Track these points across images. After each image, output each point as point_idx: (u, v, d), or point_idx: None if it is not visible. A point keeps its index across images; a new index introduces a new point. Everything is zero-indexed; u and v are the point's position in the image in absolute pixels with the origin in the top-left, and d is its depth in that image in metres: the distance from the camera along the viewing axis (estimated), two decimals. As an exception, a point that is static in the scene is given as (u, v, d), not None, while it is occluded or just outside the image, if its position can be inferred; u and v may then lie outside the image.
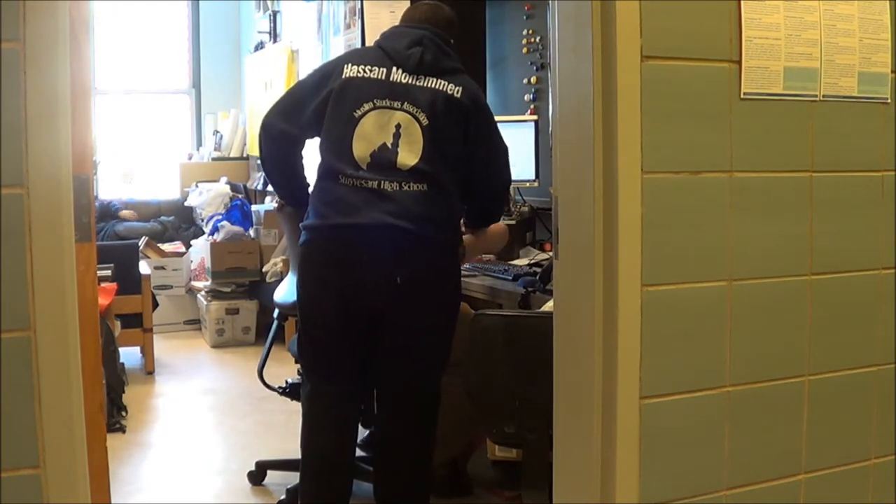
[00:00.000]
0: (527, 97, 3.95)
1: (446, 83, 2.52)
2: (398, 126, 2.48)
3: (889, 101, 1.65)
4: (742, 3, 1.50)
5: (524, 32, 3.95)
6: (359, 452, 3.34)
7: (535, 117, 3.65)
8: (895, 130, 1.65)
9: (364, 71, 2.53)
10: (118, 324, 4.49)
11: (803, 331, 1.60)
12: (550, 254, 2.97)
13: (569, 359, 1.56)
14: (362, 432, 3.53)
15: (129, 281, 4.70)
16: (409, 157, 2.45)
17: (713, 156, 1.50)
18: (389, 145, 2.47)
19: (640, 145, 1.44)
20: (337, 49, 4.48)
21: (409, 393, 2.61)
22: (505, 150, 2.69)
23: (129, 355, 5.03)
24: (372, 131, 2.47)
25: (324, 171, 2.52)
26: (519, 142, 3.58)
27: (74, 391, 1.25)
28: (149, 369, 4.94)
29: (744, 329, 1.54)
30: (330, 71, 2.58)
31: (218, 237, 5.69)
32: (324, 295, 2.52)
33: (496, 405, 2.14)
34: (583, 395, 1.50)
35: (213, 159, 6.84)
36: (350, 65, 2.55)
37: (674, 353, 1.49)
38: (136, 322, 4.84)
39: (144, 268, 5.05)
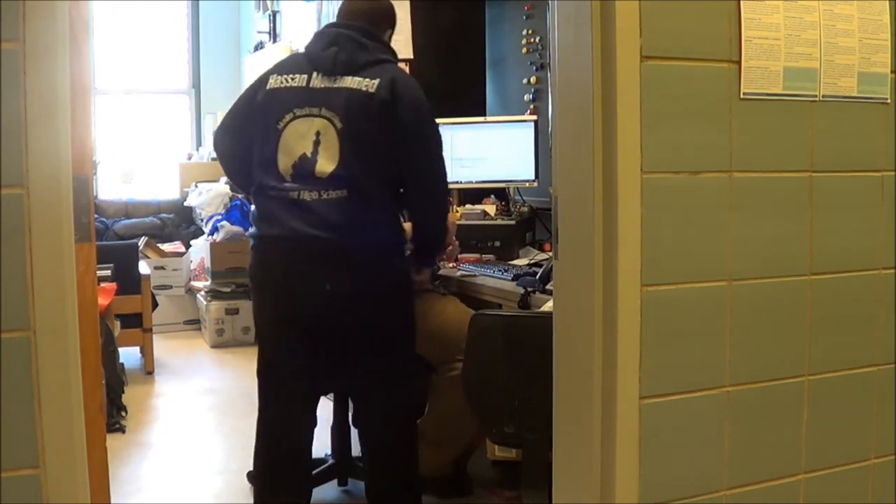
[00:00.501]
0: (526, 97, 3.95)
1: (362, 80, 2.44)
2: (318, 133, 2.44)
3: (889, 101, 1.65)
4: (742, 3, 1.50)
5: (524, 32, 3.95)
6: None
7: (534, 117, 3.65)
8: (895, 130, 1.65)
9: (286, 80, 2.51)
10: (118, 324, 4.49)
11: (803, 331, 1.60)
12: (550, 254, 2.97)
13: (569, 359, 1.56)
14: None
15: (128, 281, 4.70)
16: (327, 164, 2.42)
17: (713, 156, 1.50)
18: (309, 154, 2.44)
19: (640, 145, 1.44)
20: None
21: (377, 402, 2.60)
22: (436, 142, 2.56)
23: (129, 355, 5.03)
24: (292, 142, 2.46)
25: (256, 187, 2.54)
26: (519, 142, 3.59)
27: (74, 391, 1.25)
28: (148, 369, 4.94)
29: (744, 329, 1.54)
30: (258, 84, 2.58)
31: (217, 237, 5.69)
32: (265, 303, 2.59)
33: (496, 405, 2.14)
34: (583, 395, 1.50)
35: (213, 159, 6.81)
36: (275, 76, 2.54)
37: (674, 353, 1.49)
38: (135, 322, 4.84)
39: (144, 268, 5.05)
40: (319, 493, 3.09)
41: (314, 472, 2.98)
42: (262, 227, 2.52)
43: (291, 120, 2.47)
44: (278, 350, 2.57)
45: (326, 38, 2.52)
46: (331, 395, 3.11)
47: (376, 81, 2.43)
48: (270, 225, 2.48)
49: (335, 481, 3.14)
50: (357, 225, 2.42)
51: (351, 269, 2.43)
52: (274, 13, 6.12)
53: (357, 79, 2.45)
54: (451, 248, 3.09)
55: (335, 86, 2.46)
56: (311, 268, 2.44)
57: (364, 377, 2.58)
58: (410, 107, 2.47)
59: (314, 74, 2.49)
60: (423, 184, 2.56)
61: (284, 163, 2.46)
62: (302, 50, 2.71)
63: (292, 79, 2.51)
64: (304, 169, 2.44)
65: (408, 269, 2.64)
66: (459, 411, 2.79)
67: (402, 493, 2.64)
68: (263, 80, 2.57)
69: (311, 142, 2.44)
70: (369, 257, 2.46)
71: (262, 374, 2.64)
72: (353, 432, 3.15)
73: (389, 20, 2.66)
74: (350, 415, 2.93)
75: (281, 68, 2.57)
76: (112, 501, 1.64)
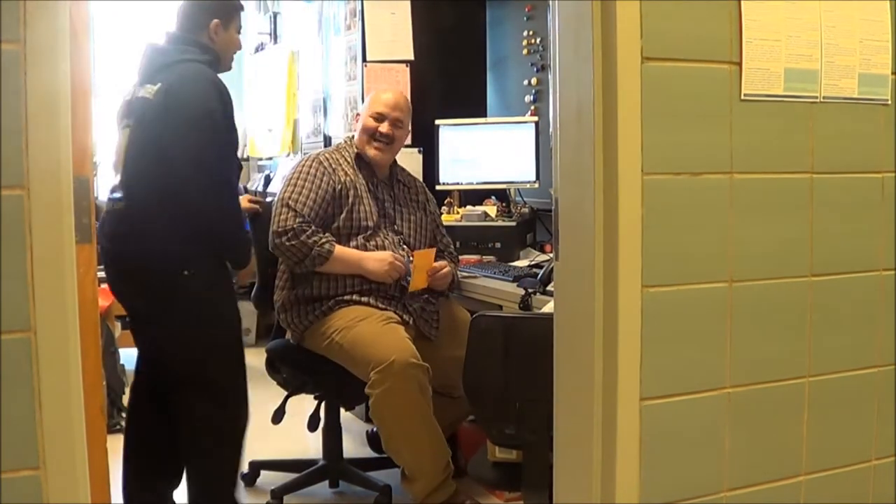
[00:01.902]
0: (527, 98, 3.95)
1: (151, 86, 2.46)
2: (125, 144, 2.54)
3: (889, 102, 1.65)
4: (742, 4, 1.50)
5: (524, 33, 3.96)
6: (355, 454, 3.35)
7: (535, 118, 3.66)
8: (895, 132, 1.65)
9: (125, 94, 2.63)
10: (118, 325, 4.49)
11: (803, 332, 1.60)
12: (551, 255, 2.97)
13: (569, 360, 1.56)
14: (360, 431, 3.53)
15: (129, 282, 4.69)
16: (118, 175, 2.54)
17: (714, 157, 1.50)
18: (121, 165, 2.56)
19: (641, 146, 1.44)
20: (337, 50, 4.47)
21: (175, 405, 2.66)
22: (191, 148, 2.35)
23: (130, 356, 5.01)
24: (116, 154, 2.57)
25: None
26: (519, 143, 3.59)
27: (74, 392, 1.25)
28: (149, 370, 4.92)
29: (744, 330, 1.54)
30: None
31: (218, 238, 5.67)
32: None
33: (497, 406, 2.14)
34: (583, 395, 1.50)
35: (213, 160, 6.82)
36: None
37: (674, 354, 1.49)
38: (136, 323, 4.83)
39: (144, 268, 5.04)
40: (312, 494, 3.09)
41: (306, 472, 2.99)
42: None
43: (119, 132, 2.58)
44: None
45: (144, 49, 2.59)
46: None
47: (157, 86, 2.43)
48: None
49: (326, 482, 3.14)
50: (132, 238, 2.47)
51: (125, 282, 2.58)
52: (274, 14, 6.11)
53: (149, 86, 2.47)
54: (445, 269, 3.02)
55: (138, 95, 2.51)
56: (111, 279, 2.60)
57: (165, 380, 2.67)
58: (178, 110, 2.36)
59: (136, 85, 2.57)
60: (182, 190, 2.37)
61: (111, 174, 2.59)
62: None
63: (127, 91, 2.61)
64: (114, 180, 2.56)
65: (198, 284, 2.49)
66: (415, 437, 2.70)
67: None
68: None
69: (122, 153, 2.53)
70: (141, 274, 2.48)
71: None
72: (345, 434, 3.16)
73: (212, 12, 2.55)
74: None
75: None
76: (112, 501, 1.64)
